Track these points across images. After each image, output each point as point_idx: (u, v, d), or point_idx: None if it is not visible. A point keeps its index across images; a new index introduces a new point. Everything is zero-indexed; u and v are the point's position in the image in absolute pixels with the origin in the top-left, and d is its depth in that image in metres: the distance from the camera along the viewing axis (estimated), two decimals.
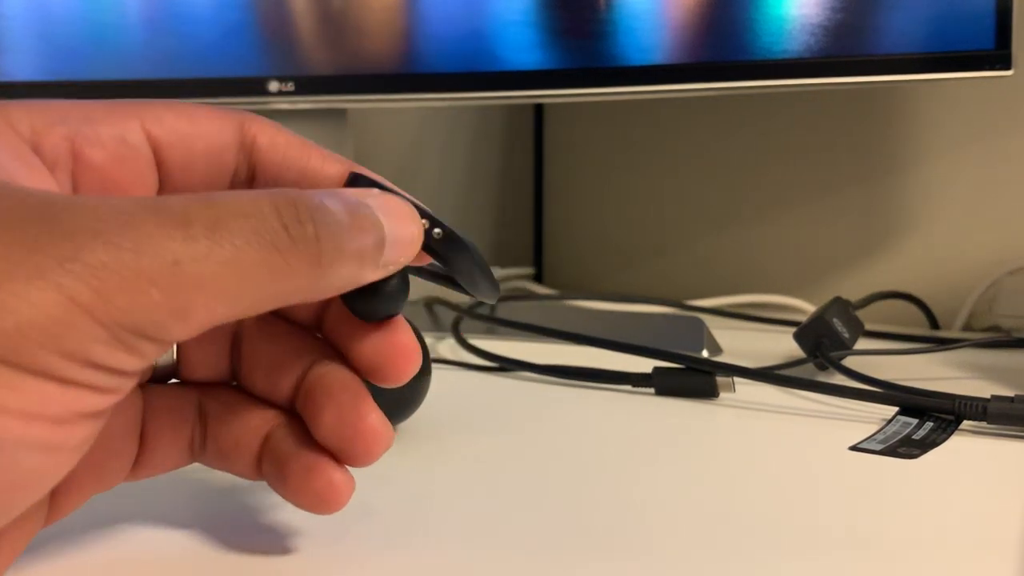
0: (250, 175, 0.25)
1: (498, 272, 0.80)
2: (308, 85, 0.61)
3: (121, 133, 0.23)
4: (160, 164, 0.24)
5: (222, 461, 0.26)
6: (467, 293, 0.26)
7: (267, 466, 0.25)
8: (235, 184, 0.25)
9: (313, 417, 0.24)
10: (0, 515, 0.19)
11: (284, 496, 0.25)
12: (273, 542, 0.26)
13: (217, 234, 0.19)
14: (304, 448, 0.25)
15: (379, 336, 0.25)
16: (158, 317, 0.18)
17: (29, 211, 0.18)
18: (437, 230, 0.24)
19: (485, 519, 0.28)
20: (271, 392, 0.26)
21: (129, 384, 0.19)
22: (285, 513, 0.28)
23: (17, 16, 0.66)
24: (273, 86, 0.61)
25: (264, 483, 0.25)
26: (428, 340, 0.37)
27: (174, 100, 0.24)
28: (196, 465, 0.27)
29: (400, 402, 0.35)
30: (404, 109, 0.79)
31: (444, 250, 0.24)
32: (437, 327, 0.59)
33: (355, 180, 0.25)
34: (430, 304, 0.63)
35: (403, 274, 0.24)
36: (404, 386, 0.35)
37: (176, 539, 0.26)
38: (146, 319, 0.18)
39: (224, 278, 0.19)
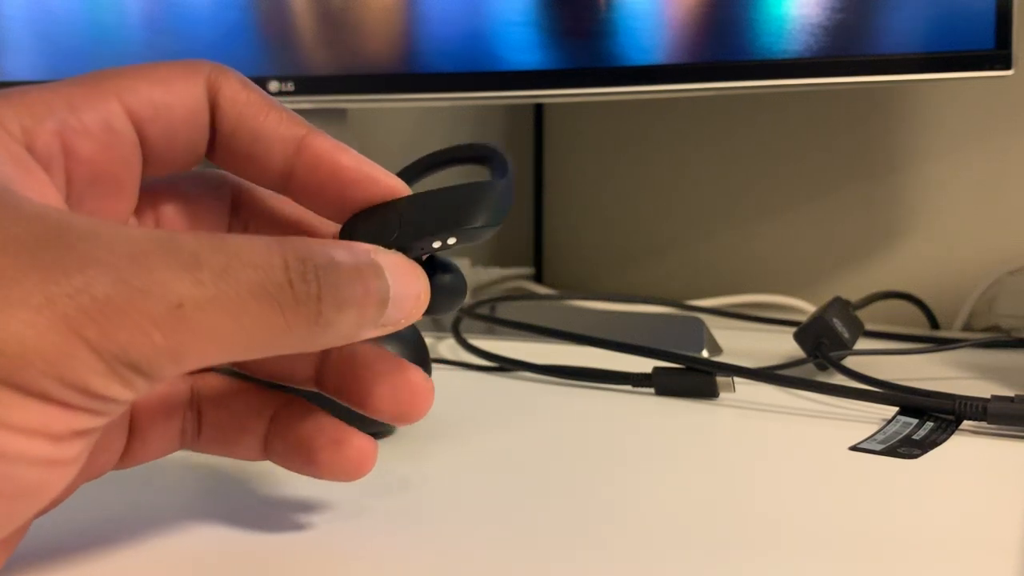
0: (213, 131, 0.25)
1: (498, 272, 0.80)
2: (308, 85, 0.61)
3: (105, 118, 0.23)
4: (143, 141, 0.24)
5: (222, 446, 0.26)
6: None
7: (279, 445, 0.26)
8: (208, 144, 0.25)
9: (360, 391, 0.25)
10: (4, 525, 0.20)
11: (304, 471, 0.26)
12: (270, 540, 0.26)
13: (224, 282, 0.19)
14: (323, 422, 0.25)
15: (393, 380, 0.25)
16: (154, 357, 0.19)
17: (47, 234, 0.19)
18: (437, 243, 0.24)
19: (485, 519, 0.28)
20: (287, 375, 0.26)
21: (119, 409, 0.20)
22: (282, 511, 0.28)
23: (17, 16, 0.66)
24: (273, 86, 0.61)
25: (243, 474, 0.26)
26: (428, 340, 0.37)
27: (142, 65, 0.24)
28: (178, 454, 0.27)
29: None
30: (404, 109, 0.79)
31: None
32: (437, 327, 0.59)
33: (366, 214, 0.24)
34: None
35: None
36: None
37: (163, 531, 0.26)
38: (143, 358, 0.19)
39: (223, 328, 0.19)
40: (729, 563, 0.25)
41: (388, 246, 0.23)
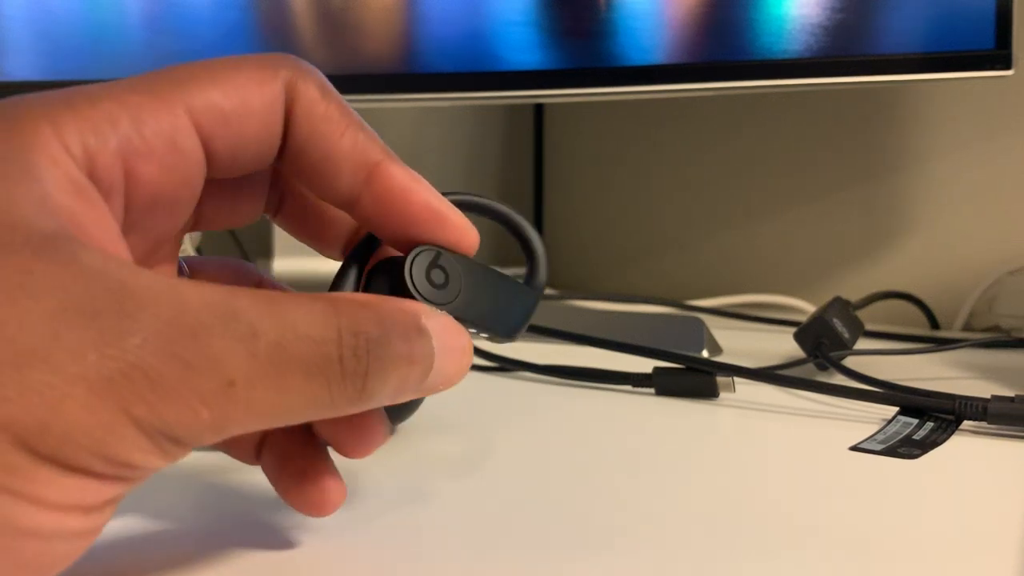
0: (284, 139, 0.23)
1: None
2: None
3: (171, 136, 0.21)
4: (208, 154, 0.22)
5: (222, 444, 0.26)
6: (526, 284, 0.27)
7: (267, 457, 0.26)
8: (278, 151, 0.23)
9: (276, 471, 0.25)
10: None
11: (276, 490, 0.25)
12: (269, 540, 0.26)
13: (278, 357, 0.19)
14: (305, 448, 0.25)
15: (307, 478, 0.25)
16: (199, 431, 0.19)
17: (106, 299, 0.18)
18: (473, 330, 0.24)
19: (485, 519, 0.28)
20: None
21: (151, 474, 0.20)
22: (281, 511, 0.28)
23: (17, 16, 0.66)
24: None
25: (236, 471, 0.26)
26: None
27: (217, 63, 0.22)
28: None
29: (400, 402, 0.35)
30: (404, 109, 0.79)
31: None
32: None
33: (423, 257, 0.24)
34: None
35: None
36: None
37: (165, 536, 0.26)
38: (187, 433, 0.19)
39: (268, 402, 0.19)
40: (729, 563, 0.25)
41: (440, 306, 0.23)
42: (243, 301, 0.19)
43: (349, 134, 0.23)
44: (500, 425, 0.39)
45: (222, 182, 0.24)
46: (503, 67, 0.57)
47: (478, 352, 0.50)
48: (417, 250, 0.24)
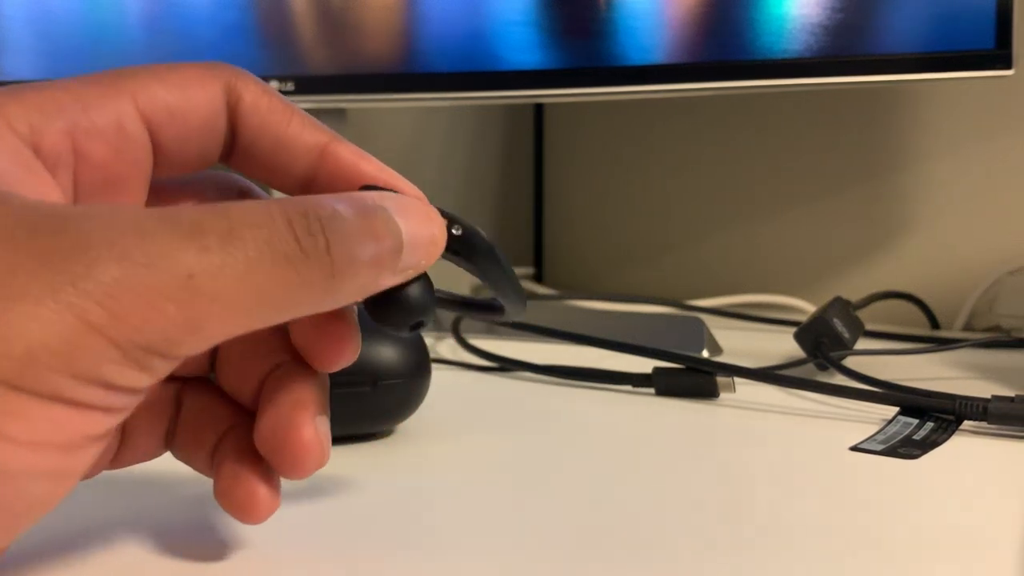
0: (232, 136, 0.24)
1: None
2: (308, 85, 0.61)
3: (117, 119, 0.22)
4: (155, 144, 0.23)
5: (186, 456, 0.26)
6: (490, 312, 0.26)
7: (215, 464, 0.25)
8: (224, 149, 0.24)
9: (256, 421, 0.24)
10: (4, 538, 0.19)
11: (214, 495, 0.24)
12: (268, 539, 0.26)
13: (231, 246, 0.19)
14: (242, 454, 0.24)
15: (284, 423, 0.23)
16: (172, 333, 0.18)
17: (42, 223, 0.18)
18: (456, 227, 0.23)
19: (484, 519, 0.28)
20: (238, 391, 0.25)
21: (135, 402, 0.19)
22: (281, 510, 0.28)
23: (17, 16, 0.66)
24: (273, 86, 0.61)
25: None
26: (428, 340, 0.38)
27: (160, 66, 0.23)
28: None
29: (400, 402, 0.35)
30: (404, 109, 0.79)
31: (466, 250, 0.23)
32: (437, 327, 0.59)
33: (367, 188, 0.24)
34: None
35: (426, 281, 0.23)
36: (404, 386, 0.35)
37: (176, 535, 0.26)
38: (160, 336, 0.18)
39: (238, 292, 0.19)
40: (729, 563, 0.25)
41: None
42: (184, 208, 0.19)
43: (295, 120, 0.24)
44: (500, 425, 0.39)
45: (185, 199, 0.25)
46: (503, 67, 0.57)
47: (478, 353, 0.50)
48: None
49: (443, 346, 0.55)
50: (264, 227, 0.19)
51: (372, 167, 0.24)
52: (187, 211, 0.19)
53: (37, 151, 0.21)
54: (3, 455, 0.17)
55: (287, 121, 0.24)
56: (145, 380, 0.18)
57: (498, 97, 0.59)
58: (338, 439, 0.35)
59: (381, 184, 0.24)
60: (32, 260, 0.17)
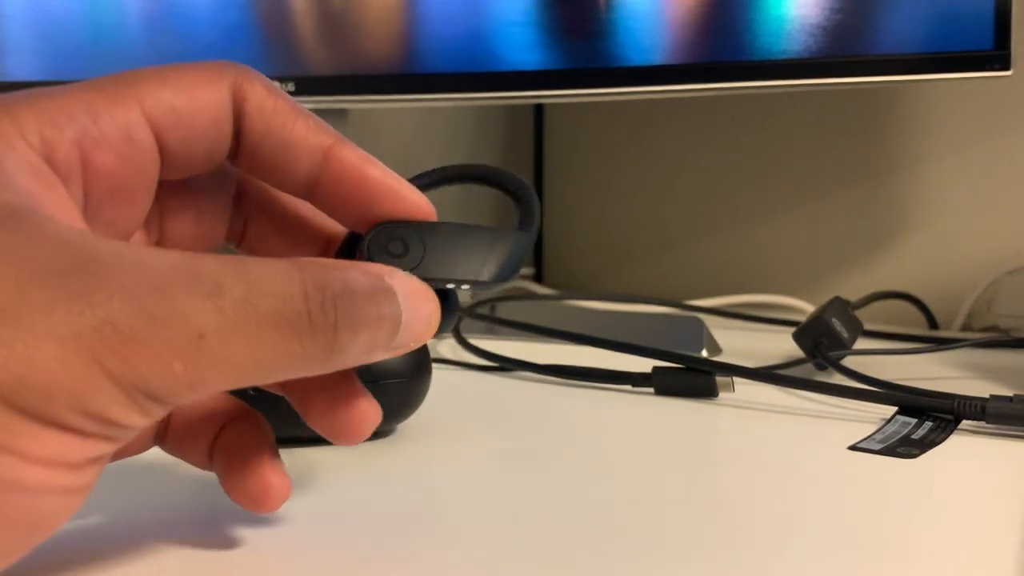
0: (237, 137, 0.24)
1: None
2: (309, 85, 0.61)
3: (125, 128, 0.22)
4: (162, 148, 0.23)
5: (179, 450, 0.26)
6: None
7: (216, 459, 0.26)
8: (230, 150, 0.24)
9: (302, 402, 0.25)
10: (18, 551, 0.20)
11: (224, 490, 0.25)
12: (268, 539, 0.26)
13: (245, 311, 0.19)
14: (250, 446, 0.25)
15: (338, 402, 0.25)
16: (174, 386, 0.19)
17: (72, 261, 0.19)
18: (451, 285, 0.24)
19: (484, 519, 0.28)
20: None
21: (135, 433, 0.20)
22: (281, 510, 0.28)
23: (18, 16, 0.66)
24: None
25: None
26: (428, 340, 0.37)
27: (165, 68, 0.23)
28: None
29: (400, 402, 0.36)
30: (404, 109, 0.79)
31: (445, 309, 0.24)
32: None
33: (389, 229, 0.24)
34: None
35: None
36: (404, 386, 0.35)
37: (171, 532, 0.26)
38: (162, 387, 0.19)
39: (241, 356, 0.19)
40: (728, 562, 0.25)
41: (407, 270, 0.24)
42: (208, 262, 0.20)
43: (301, 122, 0.24)
44: (500, 425, 0.39)
45: (184, 202, 0.25)
46: (503, 67, 0.57)
47: (478, 352, 0.50)
48: (376, 226, 0.25)
49: (443, 346, 0.55)
50: (281, 297, 0.20)
51: (377, 172, 0.25)
52: (210, 266, 0.19)
53: (50, 163, 0.21)
54: (22, 471, 0.18)
55: (292, 123, 0.24)
56: (144, 422, 0.20)
57: (498, 98, 0.59)
58: None
59: (386, 192, 0.24)
60: (62, 302, 0.18)
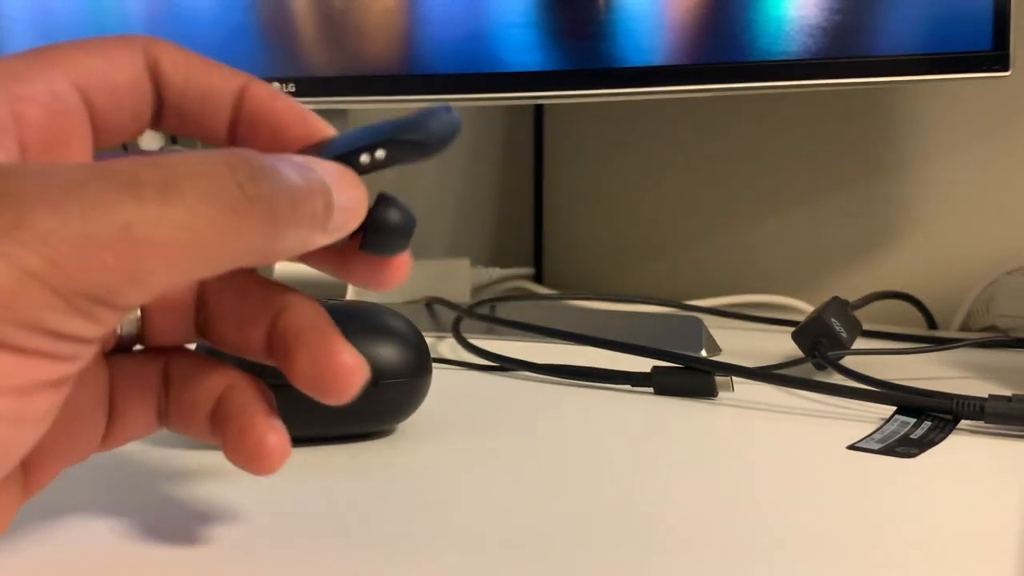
0: (158, 100, 0.25)
1: (498, 272, 0.80)
2: (309, 86, 0.61)
3: (50, 86, 0.23)
4: (90, 109, 0.24)
5: (182, 426, 0.26)
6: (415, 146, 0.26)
7: (216, 426, 0.25)
8: (153, 112, 0.25)
9: (286, 363, 0.24)
10: None
11: (226, 456, 0.25)
12: (268, 538, 0.26)
13: (169, 195, 0.19)
14: (246, 408, 0.25)
15: (320, 354, 0.24)
16: (113, 282, 0.18)
17: None
18: (364, 157, 0.24)
19: (484, 518, 0.28)
20: (243, 346, 0.25)
21: (90, 351, 0.19)
22: (278, 511, 0.28)
23: (18, 16, 0.66)
24: (274, 87, 0.61)
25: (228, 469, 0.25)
26: (428, 340, 0.38)
27: (81, 39, 0.24)
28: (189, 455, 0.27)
29: (400, 402, 0.36)
30: (404, 110, 0.79)
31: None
32: (437, 327, 0.59)
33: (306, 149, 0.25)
34: (430, 304, 0.63)
35: (393, 201, 0.25)
36: (404, 386, 0.35)
37: (170, 532, 0.27)
38: (101, 285, 0.18)
39: (179, 239, 0.19)
40: (727, 562, 0.25)
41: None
42: (119, 161, 0.19)
43: (214, 68, 0.25)
44: (500, 425, 0.40)
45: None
46: (503, 69, 0.58)
47: (478, 352, 0.51)
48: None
49: (443, 346, 0.55)
50: (205, 176, 0.19)
51: (285, 102, 0.26)
52: (122, 162, 0.19)
53: None
54: None
55: (206, 70, 0.25)
56: (93, 330, 0.19)
57: (498, 98, 0.59)
58: (338, 438, 0.35)
59: (295, 119, 0.25)
60: None
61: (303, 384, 0.24)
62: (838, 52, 0.52)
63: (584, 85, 0.56)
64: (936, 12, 0.51)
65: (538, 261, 0.90)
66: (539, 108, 0.89)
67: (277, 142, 0.25)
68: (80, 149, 0.24)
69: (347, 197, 0.23)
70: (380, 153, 0.24)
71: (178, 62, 0.25)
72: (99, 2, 0.64)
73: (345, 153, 0.24)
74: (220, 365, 0.26)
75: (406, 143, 0.24)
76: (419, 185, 0.81)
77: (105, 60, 0.24)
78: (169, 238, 0.19)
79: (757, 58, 0.53)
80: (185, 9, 0.63)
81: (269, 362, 0.25)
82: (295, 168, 0.22)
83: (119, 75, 0.24)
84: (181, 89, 0.25)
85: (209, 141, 0.26)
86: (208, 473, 0.32)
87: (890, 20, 0.51)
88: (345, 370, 0.23)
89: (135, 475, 0.31)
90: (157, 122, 0.25)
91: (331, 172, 0.23)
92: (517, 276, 0.83)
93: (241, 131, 0.26)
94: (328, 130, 0.26)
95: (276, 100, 0.25)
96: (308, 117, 0.26)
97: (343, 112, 0.65)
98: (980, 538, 0.27)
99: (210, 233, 0.19)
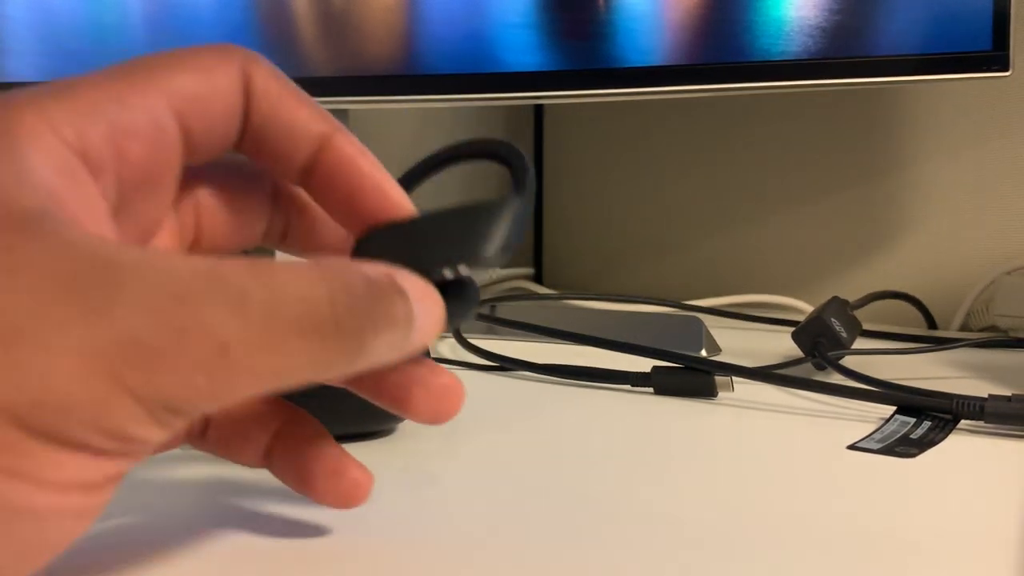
0: (244, 121, 0.24)
1: (498, 272, 0.80)
2: (309, 86, 0.61)
3: (152, 116, 0.22)
4: (184, 134, 0.23)
5: (224, 450, 0.26)
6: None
7: (282, 462, 0.26)
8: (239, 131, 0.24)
9: (403, 402, 0.25)
10: (25, 573, 0.19)
11: (299, 490, 0.26)
12: (268, 538, 0.26)
13: (272, 319, 0.19)
14: (324, 450, 0.26)
15: (428, 384, 0.25)
16: (196, 399, 0.18)
17: (91, 272, 0.18)
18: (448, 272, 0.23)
19: (485, 518, 0.28)
20: (240, 453, 0.27)
21: (153, 448, 0.20)
22: (282, 511, 0.28)
23: (19, 16, 0.66)
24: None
25: (237, 477, 0.26)
26: None
27: (181, 52, 0.23)
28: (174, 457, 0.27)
29: None
30: (405, 110, 0.79)
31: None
32: None
33: (380, 232, 0.24)
34: None
35: (464, 285, 0.24)
36: None
37: (176, 535, 0.27)
38: (184, 401, 0.18)
39: (265, 365, 0.19)
40: (727, 562, 0.25)
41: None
42: (230, 267, 0.19)
43: (304, 107, 0.24)
44: (500, 424, 0.40)
45: (220, 200, 0.25)
46: (503, 68, 0.58)
47: (478, 352, 0.51)
48: (368, 231, 0.25)
49: (443, 346, 0.55)
50: (307, 302, 0.19)
51: (369, 166, 0.25)
52: (234, 273, 0.19)
53: (84, 157, 0.21)
54: (32, 497, 0.18)
55: (296, 108, 0.24)
56: (163, 436, 0.19)
57: (498, 99, 0.59)
58: (339, 438, 0.35)
59: (373, 188, 0.24)
60: (80, 317, 0.17)
61: (423, 418, 0.26)
62: (838, 52, 0.52)
63: (584, 85, 0.56)
64: (936, 12, 0.51)
65: (538, 261, 0.90)
66: (539, 108, 0.89)
67: (350, 209, 0.25)
68: (171, 179, 0.23)
69: (427, 320, 0.23)
70: (463, 269, 0.23)
71: (270, 90, 0.23)
72: (99, 2, 0.64)
73: (427, 267, 0.23)
74: (264, 398, 0.26)
75: (491, 258, 0.24)
76: (419, 186, 0.81)
77: (205, 81, 0.23)
78: (259, 366, 0.19)
79: (757, 58, 0.53)
80: (185, 8, 0.63)
81: (351, 389, 0.26)
82: (388, 294, 0.21)
83: (217, 99, 0.23)
84: (265, 118, 0.24)
85: (277, 176, 0.25)
86: (206, 473, 0.32)
87: (890, 20, 0.51)
88: (459, 397, 0.26)
89: (135, 474, 0.31)
90: (238, 144, 0.24)
91: (417, 290, 0.22)
92: (517, 276, 0.83)
93: (315, 182, 0.25)
94: (405, 204, 0.25)
95: (359, 159, 0.24)
96: (387, 187, 0.25)
97: (344, 112, 0.65)
98: (980, 538, 0.27)
99: (296, 362, 0.19)
